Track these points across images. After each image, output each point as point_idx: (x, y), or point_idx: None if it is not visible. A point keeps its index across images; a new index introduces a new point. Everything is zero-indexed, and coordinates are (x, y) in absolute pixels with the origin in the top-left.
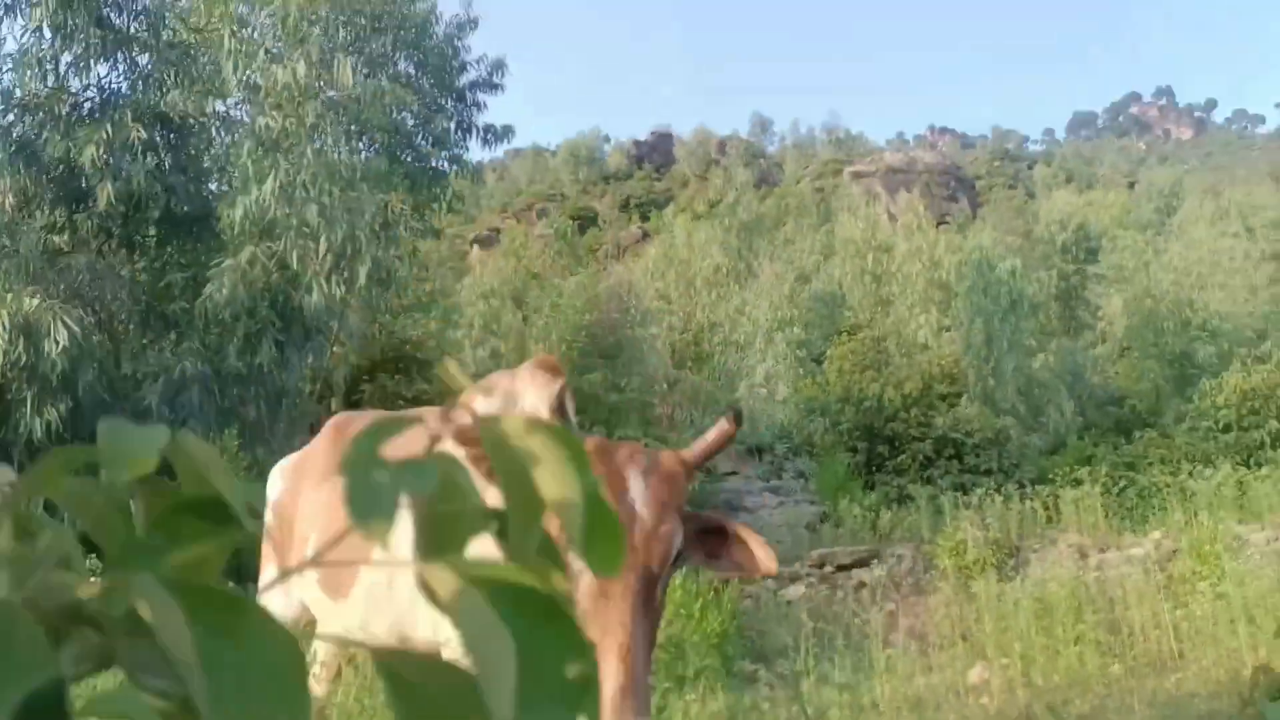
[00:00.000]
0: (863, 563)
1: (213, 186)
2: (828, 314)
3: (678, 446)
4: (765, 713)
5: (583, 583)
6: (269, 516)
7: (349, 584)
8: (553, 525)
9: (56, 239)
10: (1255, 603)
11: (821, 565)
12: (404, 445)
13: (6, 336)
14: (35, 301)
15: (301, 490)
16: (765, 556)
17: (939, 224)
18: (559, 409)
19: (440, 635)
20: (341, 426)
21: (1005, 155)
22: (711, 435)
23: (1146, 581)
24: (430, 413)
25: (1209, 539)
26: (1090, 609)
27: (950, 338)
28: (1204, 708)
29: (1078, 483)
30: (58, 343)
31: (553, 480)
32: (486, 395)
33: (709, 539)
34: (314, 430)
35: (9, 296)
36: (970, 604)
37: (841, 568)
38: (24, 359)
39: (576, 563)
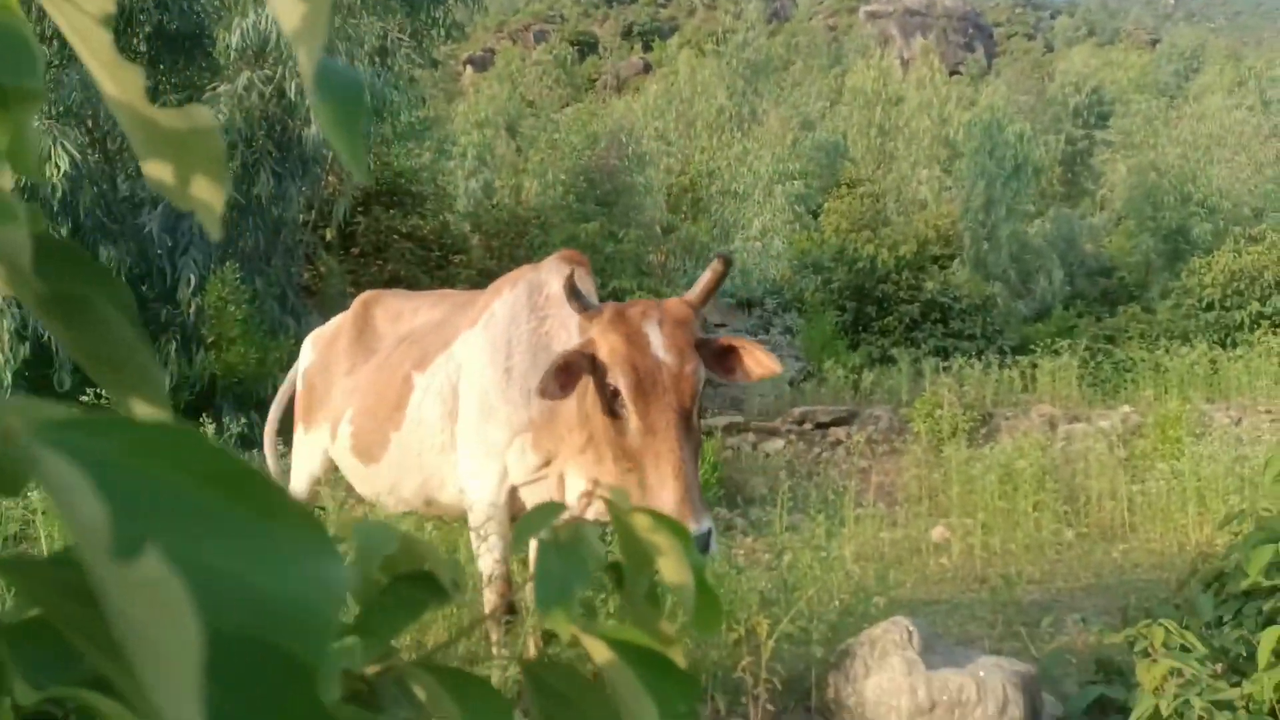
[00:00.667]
0: (841, 421)
1: (204, 3)
2: (828, 164)
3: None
4: (739, 560)
5: (632, 426)
6: (300, 383)
7: (380, 452)
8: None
9: (47, 51)
10: (1208, 485)
11: (801, 422)
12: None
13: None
14: (34, 121)
15: (332, 366)
16: (769, 360)
17: (952, 73)
18: (570, 288)
19: (465, 501)
20: (369, 303)
21: (1028, 2)
22: (706, 276)
23: (1109, 455)
24: (450, 294)
25: (1175, 419)
26: (1052, 478)
27: (950, 197)
28: (1145, 578)
29: (1056, 353)
30: (59, 166)
31: (672, 568)
32: (512, 286)
33: (724, 357)
34: (309, 260)
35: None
36: (939, 467)
37: (820, 425)
38: (23, 180)
39: (624, 411)
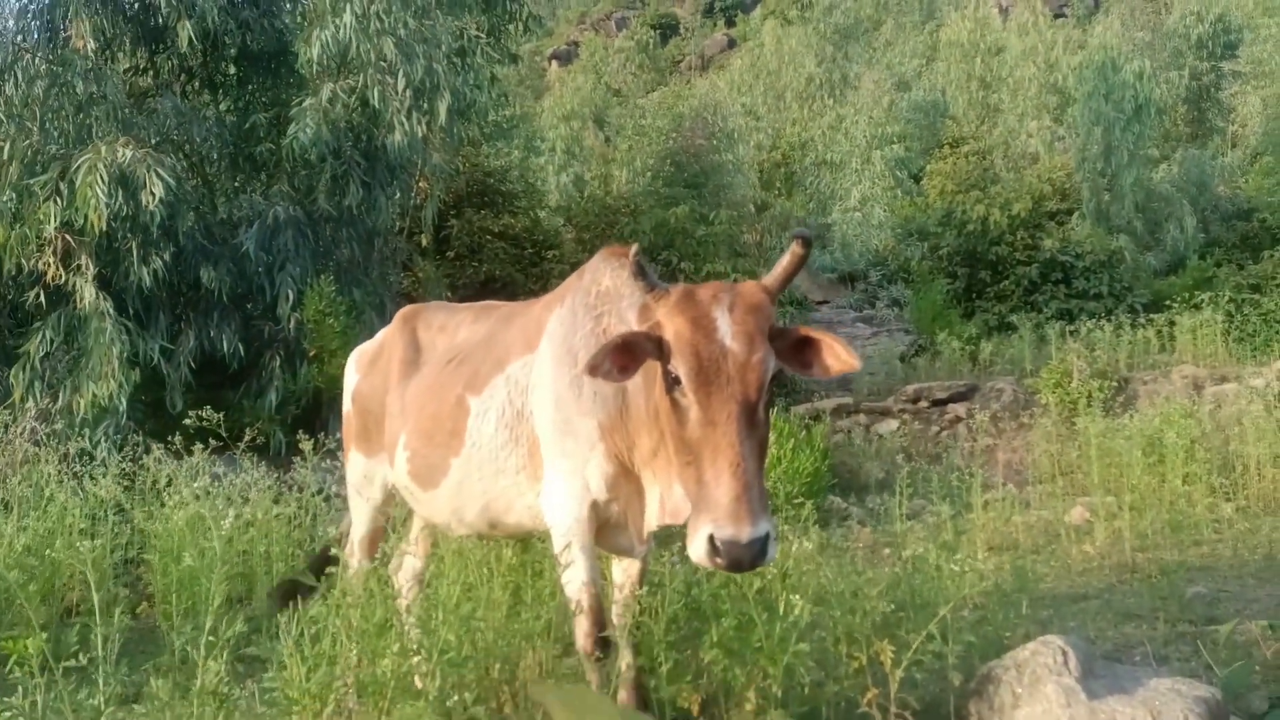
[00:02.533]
0: (960, 397)
1: (286, 19)
2: (928, 124)
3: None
4: (858, 554)
5: (691, 415)
6: (348, 404)
7: (440, 477)
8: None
9: (140, 81)
10: None
11: (916, 400)
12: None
13: (107, 189)
14: (129, 152)
15: (380, 384)
16: (847, 355)
17: (1056, 15)
18: (638, 267)
19: (538, 525)
20: (409, 318)
21: None
22: (785, 260)
23: (1267, 417)
24: (493, 307)
25: None
26: (1202, 447)
27: (1064, 148)
28: None
29: (1196, 308)
30: (155, 194)
31: None
32: (561, 300)
33: (801, 350)
34: (406, 267)
35: (104, 148)
36: (1073, 440)
37: (937, 402)
38: (124, 210)
39: (684, 400)
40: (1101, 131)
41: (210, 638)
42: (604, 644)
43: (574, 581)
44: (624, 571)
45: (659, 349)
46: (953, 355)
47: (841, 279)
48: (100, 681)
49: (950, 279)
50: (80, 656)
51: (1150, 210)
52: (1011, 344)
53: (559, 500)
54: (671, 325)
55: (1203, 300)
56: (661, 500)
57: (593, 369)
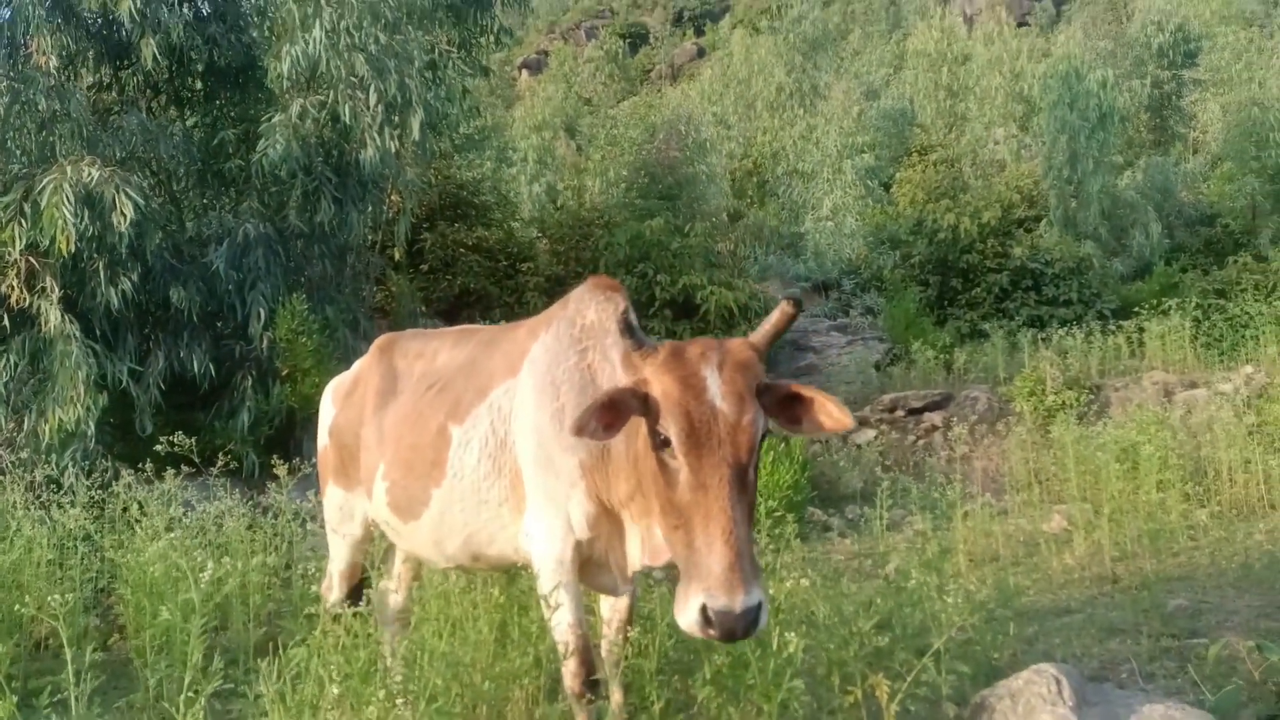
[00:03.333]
0: (936, 405)
1: (254, 34)
2: (897, 133)
3: (741, 289)
4: (839, 565)
5: (681, 478)
6: (324, 438)
7: (421, 509)
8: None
9: (105, 97)
10: None
11: (892, 409)
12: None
13: (74, 210)
14: (95, 171)
15: (356, 417)
16: (840, 414)
17: (1020, 24)
18: (625, 324)
19: (521, 557)
20: (385, 348)
21: None
22: (774, 317)
23: (1236, 422)
24: (471, 331)
25: None
26: (1175, 453)
27: (1030, 155)
28: None
29: (1164, 314)
30: (125, 215)
31: None
32: (547, 326)
33: (789, 405)
34: (379, 282)
35: (69, 168)
36: (1048, 449)
37: (913, 411)
38: (90, 230)
39: (674, 462)
40: (1067, 139)
41: (190, 693)
42: (593, 685)
43: (561, 624)
44: (612, 607)
45: (644, 405)
46: (927, 364)
47: (815, 288)
48: None
49: (923, 287)
50: (51, 699)
51: (1116, 217)
52: (985, 351)
53: (543, 539)
54: (660, 384)
55: (1170, 306)
56: (643, 540)
57: (579, 429)
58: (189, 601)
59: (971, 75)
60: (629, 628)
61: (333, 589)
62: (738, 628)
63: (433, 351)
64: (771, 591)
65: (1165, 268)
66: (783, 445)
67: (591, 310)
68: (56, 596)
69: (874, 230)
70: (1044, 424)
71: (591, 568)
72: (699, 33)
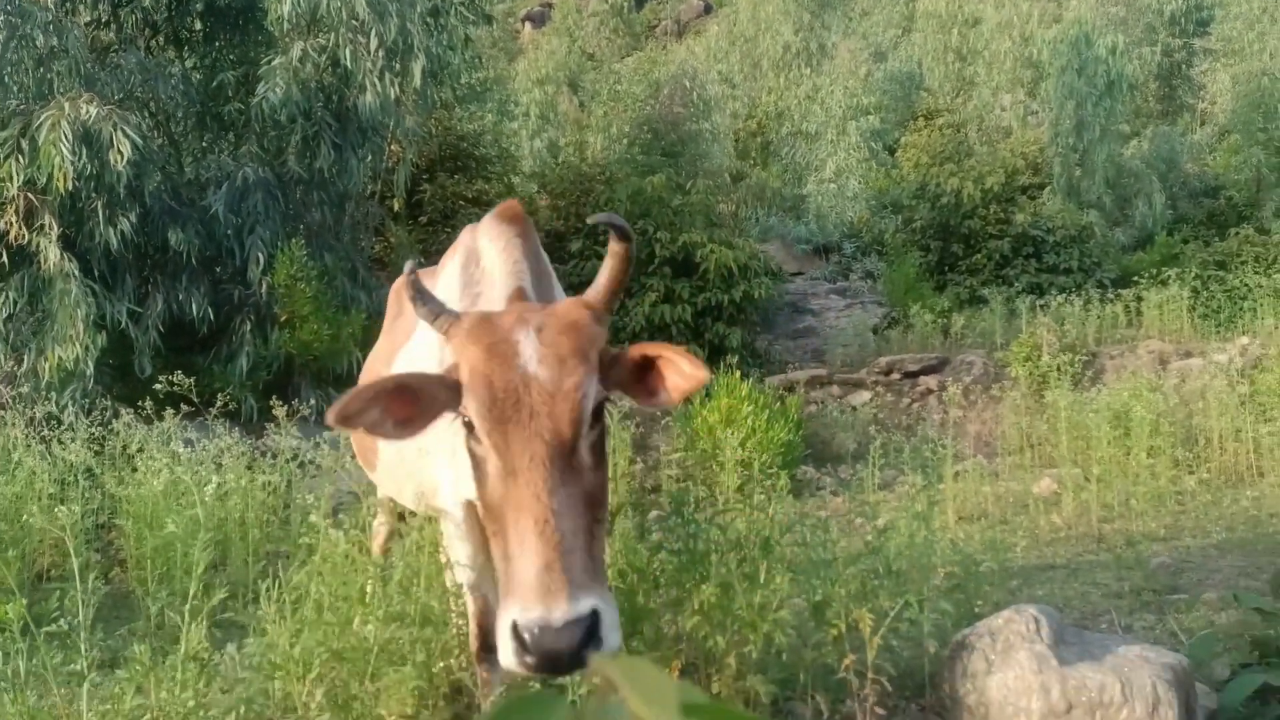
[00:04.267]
0: (932, 369)
1: None
2: (904, 96)
3: (741, 249)
4: (828, 523)
5: (489, 468)
6: None
7: (373, 458)
8: None
9: (103, 35)
10: None
11: (889, 372)
12: None
13: (71, 147)
14: (94, 109)
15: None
16: (692, 368)
17: None
18: (414, 288)
19: (448, 502)
20: (398, 292)
21: None
22: (607, 264)
23: (1229, 392)
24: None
25: None
26: (1167, 420)
27: (1037, 122)
28: None
29: (1163, 284)
30: (122, 153)
31: None
32: (452, 254)
33: (643, 375)
34: (378, 232)
35: (67, 105)
36: (1041, 414)
37: (909, 374)
38: (89, 169)
39: (479, 447)
40: (1074, 106)
41: (195, 602)
42: (491, 649)
43: (461, 583)
44: None
45: (456, 395)
46: (925, 328)
47: (816, 251)
48: (82, 646)
49: (923, 252)
50: (59, 621)
51: (1120, 186)
52: (982, 317)
53: (442, 488)
54: (465, 356)
55: (1169, 276)
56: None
57: (345, 419)
58: (194, 518)
59: (981, 39)
60: None
61: (380, 530)
62: (558, 645)
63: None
64: (762, 524)
65: (1167, 238)
66: (778, 404)
67: (490, 248)
68: (63, 509)
69: (877, 194)
70: (1038, 389)
71: None
72: None
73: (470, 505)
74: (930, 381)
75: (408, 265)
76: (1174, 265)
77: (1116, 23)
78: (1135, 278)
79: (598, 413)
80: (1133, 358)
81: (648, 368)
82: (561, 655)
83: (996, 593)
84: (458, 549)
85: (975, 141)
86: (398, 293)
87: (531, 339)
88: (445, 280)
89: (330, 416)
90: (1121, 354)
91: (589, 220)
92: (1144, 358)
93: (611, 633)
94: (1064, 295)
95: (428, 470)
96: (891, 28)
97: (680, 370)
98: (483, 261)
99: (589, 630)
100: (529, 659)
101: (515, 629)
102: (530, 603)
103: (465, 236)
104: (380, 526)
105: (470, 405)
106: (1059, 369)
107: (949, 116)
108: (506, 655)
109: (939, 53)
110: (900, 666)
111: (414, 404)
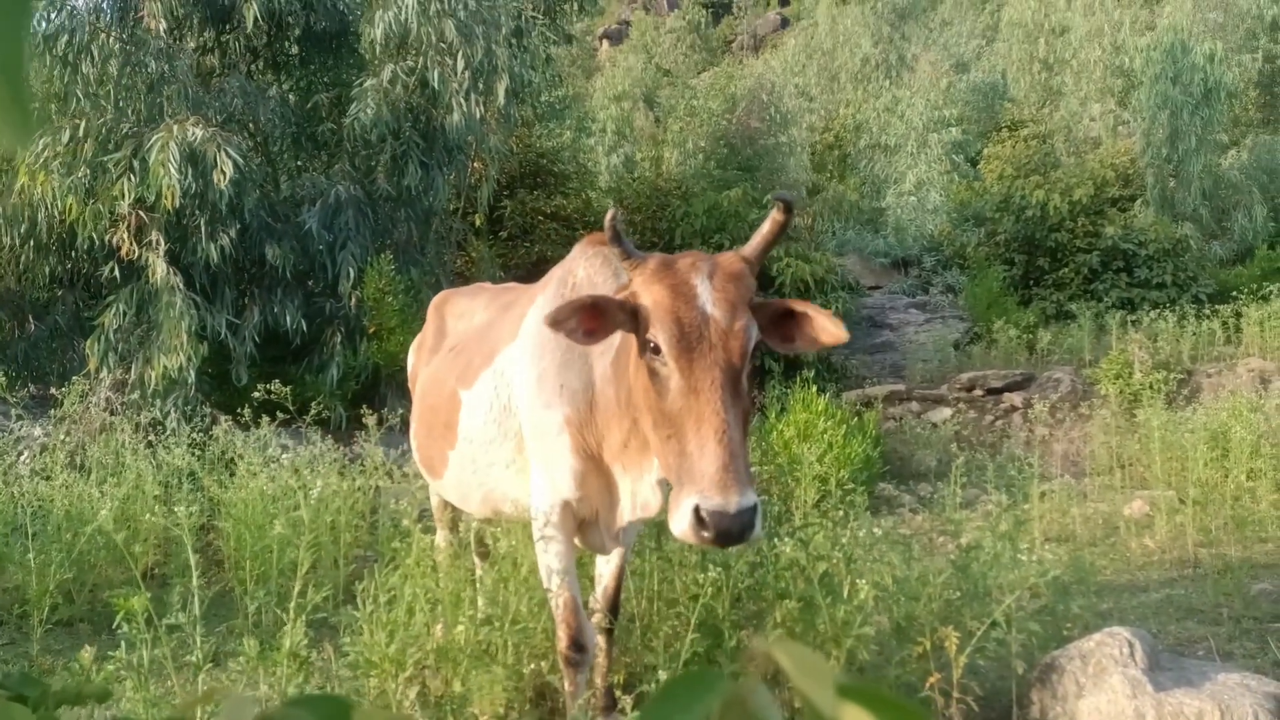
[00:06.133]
0: (1016, 386)
1: (348, 1)
2: (986, 107)
3: (818, 262)
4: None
5: (672, 385)
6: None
7: (441, 468)
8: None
9: (208, 60)
10: None
11: (971, 389)
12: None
13: (178, 167)
14: (199, 131)
15: (414, 371)
16: (834, 327)
17: None
18: (614, 233)
19: (543, 505)
20: (439, 306)
21: None
22: (765, 227)
23: None
24: (509, 290)
25: None
26: (1268, 441)
27: (1128, 132)
28: None
29: (1264, 299)
30: (225, 173)
31: None
32: (544, 287)
33: (782, 323)
34: (460, 247)
35: (175, 127)
36: (1133, 433)
37: (992, 391)
38: (194, 187)
39: (664, 369)
40: (1168, 116)
41: (299, 600)
42: (580, 649)
43: (549, 587)
44: (606, 563)
45: (633, 319)
46: (1009, 344)
47: (894, 264)
48: (197, 639)
49: (1007, 265)
50: (178, 615)
51: (1218, 198)
52: (1070, 333)
53: (536, 495)
54: (649, 293)
55: (1271, 291)
56: (632, 494)
57: (555, 322)
58: (295, 519)
59: (1069, 47)
60: (621, 587)
61: (438, 522)
62: (733, 528)
63: (474, 311)
64: (844, 540)
65: (1269, 251)
66: (855, 419)
67: (582, 267)
68: (181, 510)
69: (958, 206)
70: (1129, 408)
71: (583, 526)
72: (783, 2)
73: (566, 505)
74: (1015, 398)
75: (610, 213)
76: (1276, 280)
77: (1214, 29)
78: (1234, 293)
79: (754, 351)
80: (1231, 376)
81: (788, 318)
82: (733, 534)
83: (1086, 615)
84: (550, 549)
85: (1062, 152)
86: (438, 309)
87: (705, 284)
88: (537, 310)
89: (547, 320)
90: (1219, 372)
91: (768, 197)
92: (1244, 376)
93: (759, 521)
94: (1157, 311)
95: (503, 482)
96: (974, 38)
97: (822, 326)
98: (574, 280)
99: (752, 515)
100: (706, 534)
101: (697, 511)
102: (711, 493)
103: (555, 270)
104: (443, 543)
105: (660, 335)
106: (1152, 387)
107: (1034, 127)
108: (683, 529)
109: (1024, 62)
110: (986, 687)
111: (599, 319)
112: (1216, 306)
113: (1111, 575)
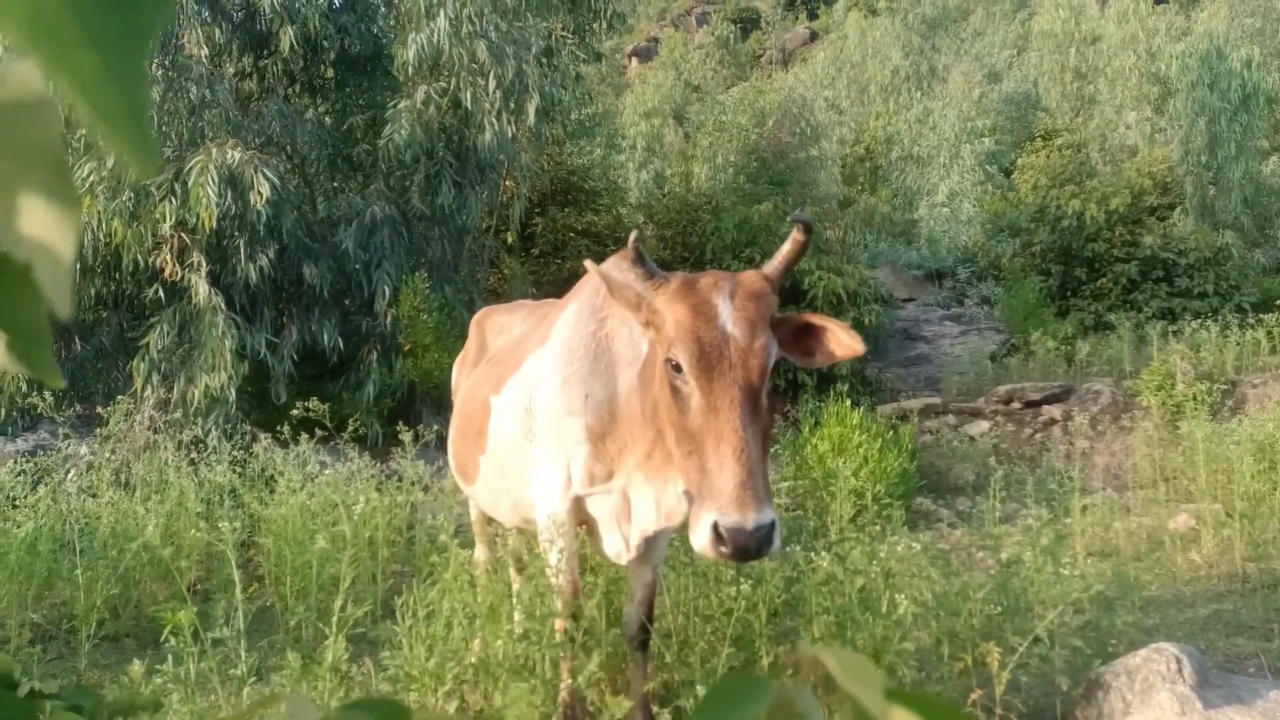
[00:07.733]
0: (1055, 398)
1: (382, 23)
2: (1019, 117)
3: (850, 276)
4: (948, 555)
5: (693, 403)
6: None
7: (474, 474)
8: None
9: (246, 85)
10: None
11: (1008, 401)
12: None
13: (217, 189)
14: (237, 154)
15: (456, 386)
16: (850, 339)
17: (1158, 2)
18: (636, 253)
19: (556, 503)
20: (480, 322)
21: None
22: (785, 248)
23: None
24: (545, 305)
25: None
26: None
27: (1165, 140)
28: None
29: None
30: (261, 194)
31: None
32: (575, 296)
33: (802, 338)
34: (493, 264)
35: (214, 150)
36: (1176, 445)
37: (1031, 404)
38: (232, 209)
39: (685, 387)
40: (1206, 123)
41: (341, 614)
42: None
43: (552, 574)
44: (638, 579)
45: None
46: (1047, 355)
47: (928, 276)
48: (242, 653)
49: (1043, 276)
50: (222, 629)
51: (1259, 205)
52: (1109, 344)
53: (543, 491)
54: (671, 312)
55: None
56: (657, 503)
57: (612, 287)
58: (339, 534)
59: (1102, 56)
60: (654, 599)
61: (480, 561)
62: (749, 545)
63: (511, 326)
64: (882, 554)
65: None
66: (891, 433)
67: (616, 273)
68: (226, 526)
69: (992, 217)
70: (1172, 420)
71: (594, 532)
72: (812, 16)
73: (577, 500)
74: (1054, 411)
75: (633, 234)
76: None
77: (1252, 34)
78: (1278, 301)
79: (774, 369)
80: (1277, 387)
81: (807, 332)
82: (749, 550)
83: (1131, 631)
84: (554, 549)
85: (1098, 161)
86: (479, 325)
87: (727, 304)
88: (567, 316)
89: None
90: (1265, 382)
91: (790, 217)
92: None
93: (777, 536)
94: (1199, 320)
95: (526, 486)
96: (1006, 48)
97: (839, 340)
98: (605, 291)
99: (769, 532)
100: (724, 549)
101: (716, 527)
102: (729, 510)
103: (587, 279)
104: (481, 557)
105: (680, 354)
106: (1195, 398)
107: (1068, 136)
108: (703, 544)
109: (1056, 72)
110: (1030, 704)
111: (624, 300)
112: (1261, 316)
113: (1157, 590)
